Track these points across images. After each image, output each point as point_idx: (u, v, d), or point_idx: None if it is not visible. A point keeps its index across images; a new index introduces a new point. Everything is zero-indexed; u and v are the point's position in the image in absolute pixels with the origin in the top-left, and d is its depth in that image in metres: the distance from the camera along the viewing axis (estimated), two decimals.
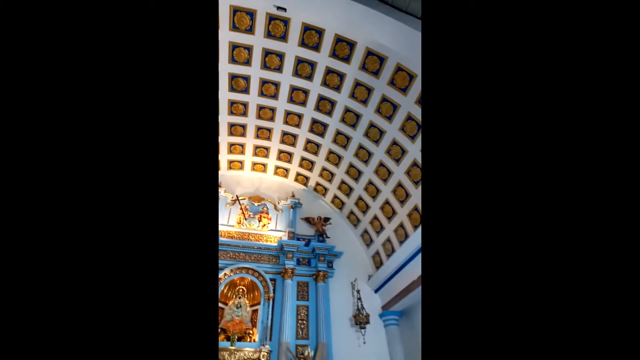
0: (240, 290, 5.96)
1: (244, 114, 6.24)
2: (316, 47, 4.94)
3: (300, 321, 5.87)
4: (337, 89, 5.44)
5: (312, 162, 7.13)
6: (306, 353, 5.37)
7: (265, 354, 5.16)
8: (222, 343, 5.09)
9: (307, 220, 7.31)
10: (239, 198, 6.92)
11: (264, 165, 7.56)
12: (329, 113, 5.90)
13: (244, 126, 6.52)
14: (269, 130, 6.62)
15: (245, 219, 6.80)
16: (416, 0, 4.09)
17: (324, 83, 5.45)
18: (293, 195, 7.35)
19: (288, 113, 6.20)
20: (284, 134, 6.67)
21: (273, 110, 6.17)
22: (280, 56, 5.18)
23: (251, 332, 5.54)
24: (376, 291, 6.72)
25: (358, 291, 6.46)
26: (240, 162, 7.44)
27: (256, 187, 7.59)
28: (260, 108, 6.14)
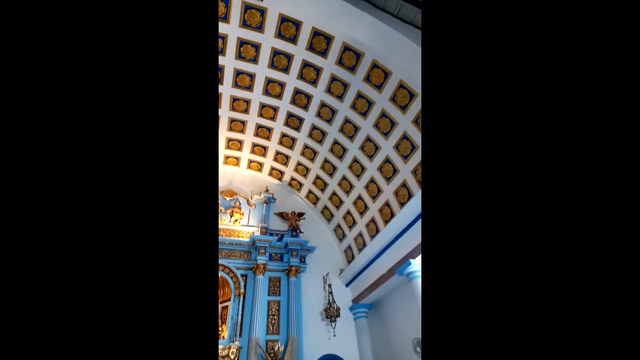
0: None
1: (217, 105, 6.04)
2: (293, 40, 4.89)
3: (271, 316, 5.83)
4: (314, 83, 5.42)
5: (287, 157, 7.07)
6: (276, 348, 5.34)
7: (235, 350, 5.07)
8: None
9: (281, 215, 7.26)
10: None
11: (237, 158, 7.39)
12: (305, 107, 5.87)
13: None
14: (243, 123, 6.46)
15: None
16: (393, 0, 4.17)
17: (301, 76, 5.41)
18: (267, 190, 7.25)
19: (263, 106, 6.09)
20: (259, 127, 6.55)
21: (247, 102, 6.03)
22: (256, 47, 5.07)
23: (220, 329, 5.41)
24: (347, 285, 6.84)
25: (330, 285, 6.53)
26: None
27: (229, 181, 7.40)
28: (234, 100, 5.98)
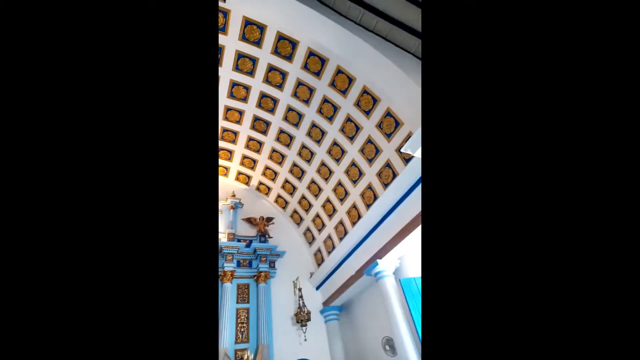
0: None
1: None
2: (257, 43, 4.85)
3: (240, 324, 5.67)
4: (280, 87, 5.41)
5: (255, 161, 6.97)
6: (246, 357, 5.20)
7: None
8: None
9: (249, 220, 7.11)
10: None
11: None
12: (272, 111, 5.83)
13: None
14: None
15: None
16: (355, 8, 4.31)
17: (266, 80, 5.38)
18: (234, 195, 7.07)
19: (228, 109, 5.95)
20: (224, 130, 6.39)
21: None
22: (220, 49, 4.95)
23: None
24: (317, 288, 6.86)
25: (300, 289, 6.50)
26: None
27: None
28: None
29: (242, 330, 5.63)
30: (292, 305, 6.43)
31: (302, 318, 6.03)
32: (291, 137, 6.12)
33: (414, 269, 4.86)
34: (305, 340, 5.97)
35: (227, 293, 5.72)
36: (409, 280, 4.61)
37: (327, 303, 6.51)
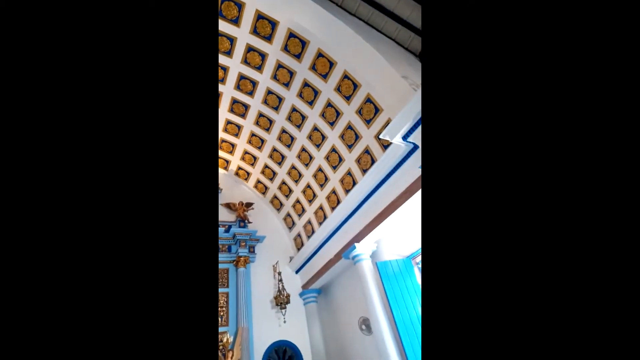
0: None
1: None
2: (235, 21, 4.65)
3: (219, 309, 5.70)
4: (259, 68, 5.26)
5: (233, 145, 6.82)
6: (225, 339, 5.27)
7: None
8: None
9: (228, 205, 7.03)
10: None
11: None
12: (251, 93, 5.68)
13: None
14: None
15: None
16: None
17: (245, 61, 5.20)
18: None
19: None
20: None
21: None
22: None
23: None
24: (297, 272, 6.97)
25: (279, 273, 6.59)
26: None
27: None
28: None
29: (222, 314, 5.67)
30: (271, 288, 6.52)
31: (281, 301, 6.14)
32: (271, 121, 6.01)
33: (389, 252, 5.03)
34: (285, 322, 6.11)
35: None
36: (385, 263, 4.78)
37: (306, 286, 6.66)
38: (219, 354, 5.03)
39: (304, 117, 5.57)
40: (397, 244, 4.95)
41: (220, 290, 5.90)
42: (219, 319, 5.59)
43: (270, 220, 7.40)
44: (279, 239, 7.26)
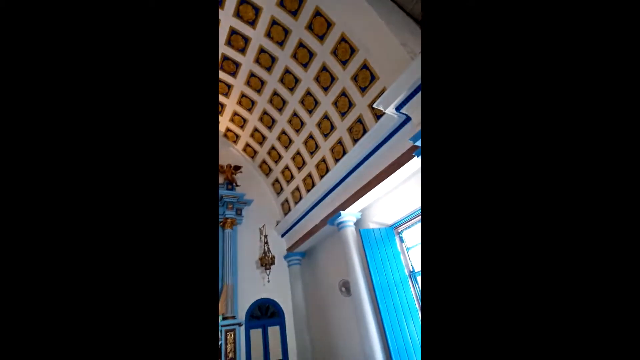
0: None
1: None
2: None
3: None
4: (252, 24, 4.94)
5: (222, 104, 6.59)
6: None
7: None
8: None
9: None
10: None
11: None
12: (242, 50, 5.39)
13: None
14: None
15: None
16: None
17: (237, 14, 4.86)
18: None
19: None
20: None
21: None
22: None
23: None
24: (282, 235, 7.16)
25: (265, 236, 6.75)
26: None
27: None
28: None
29: None
30: (257, 250, 6.72)
31: (266, 262, 6.37)
32: (262, 82, 5.79)
33: (373, 221, 5.20)
34: (269, 282, 6.39)
35: None
36: (368, 231, 4.96)
37: (291, 249, 6.89)
38: None
39: (297, 80, 5.38)
40: (381, 213, 5.09)
41: None
42: None
43: (259, 185, 7.42)
44: (267, 204, 7.34)
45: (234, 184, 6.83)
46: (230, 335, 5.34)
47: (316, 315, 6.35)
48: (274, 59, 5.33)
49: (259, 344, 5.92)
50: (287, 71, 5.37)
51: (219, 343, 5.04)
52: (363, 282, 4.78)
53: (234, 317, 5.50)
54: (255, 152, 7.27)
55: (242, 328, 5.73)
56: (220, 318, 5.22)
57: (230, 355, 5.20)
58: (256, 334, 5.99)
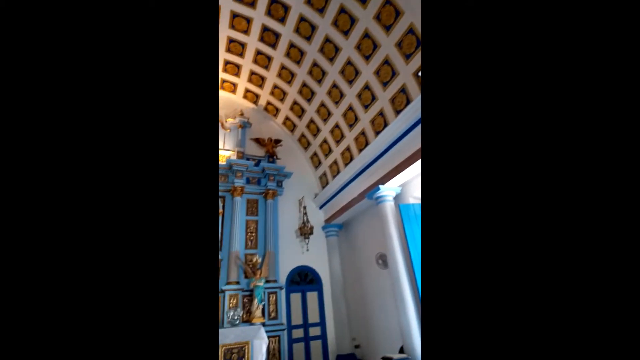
0: None
1: None
2: None
3: (249, 234, 6.29)
4: None
5: (263, 78, 6.64)
6: (254, 260, 5.93)
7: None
8: None
9: (257, 140, 7.19)
10: None
11: None
12: (282, 20, 5.28)
13: None
14: None
15: None
16: None
17: None
18: (242, 114, 6.98)
19: (235, 15, 5.39)
20: (231, 41, 5.92)
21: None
22: None
23: None
24: (320, 207, 7.33)
25: (304, 207, 6.97)
26: None
27: None
28: None
29: (252, 238, 6.27)
30: (296, 220, 6.99)
31: (305, 232, 6.63)
32: (302, 53, 5.68)
33: (413, 196, 5.06)
34: (307, 250, 6.68)
35: (238, 206, 6.18)
36: (407, 206, 4.86)
37: (329, 221, 7.05)
38: (249, 270, 5.73)
39: (337, 49, 5.18)
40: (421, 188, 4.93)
41: (251, 218, 6.43)
42: (249, 242, 6.21)
43: (297, 158, 7.55)
44: (305, 176, 7.49)
45: (275, 157, 7.04)
46: (273, 296, 5.79)
47: (353, 285, 6.56)
48: (314, 28, 5.16)
49: (298, 307, 6.34)
50: (327, 40, 5.18)
51: (262, 303, 5.50)
52: (401, 256, 4.78)
53: (275, 281, 5.91)
54: (295, 126, 7.33)
55: (283, 291, 6.15)
56: (263, 281, 5.65)
57: (273, 314, 5.68)
58: (295, 297, 6.40)
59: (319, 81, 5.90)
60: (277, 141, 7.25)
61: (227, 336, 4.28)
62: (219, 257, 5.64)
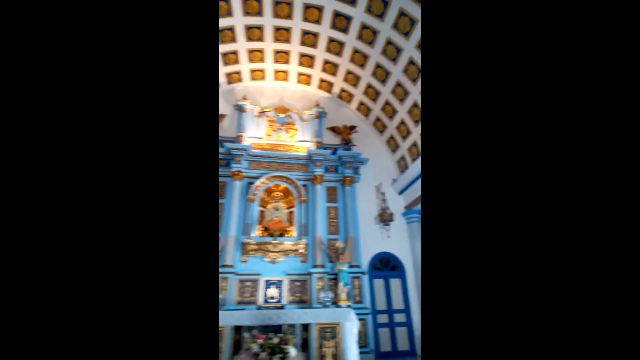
0: (277, 195, 6.55)
1: (259, 12, 5.64)
2: None
3: (330, 220, 6.51)
4: None
5: (336, 65, 6.67)
6: (337, 244, 6.13)
7: (303, 245, 5.98)
8: (266, 239, 5.92)
9: (333, 129, 7.30)
10: (265, 110, 6.97)
11: (286, 72, 7.21)
12: (353, 2, 5.16)
13: (260, 28, 5.99)
14: (288, 30, 6.05)
15: (274, 131, 6.95)
16: None
17: None
18: (317, 105, 7.18)
19: (307, 7, 5.51)
20: (304, 33, 6.09)
21: (290, 4, 5.50)
22: None
23: (289, 229, 6.30)
24: (400, 193, 7.07)
25: (383, 193, 6.83)
26: (262, 71, 7.13)
27: (280, 98, 7.44)
28: (277, 3, 5.49)
29: (333, 224, 6.48)
30: (375, 207, 6.92)
31: (385, 218, 6.52)
32: (375, 32, 5.47)
33: None
34: (389, 237, 6.56)
35: (318, 194, 6.45)
36: None
37: (410, 207, 6.76)
38: (333, 254, 5.95)
39: (413, 22, 4.82)
40: None
41: (331, 204, 6.63)
42: (331, 228, 6.43)
43: (373, 143, 7.41)
44: (382, 161, 7.31)
45: (350, 144, 7.05)
46: (356, 281, 5.91)
47: None
48: (386, 3, 4.89)
49: (382, 293, 6.33)
50: (401, 14, 4.86)
51: (347, 286, 5.66)
52: None
53: (358, 266, 6.00)
54: (369, 110, 7.18)
55: (366, 277, 6.21)
56: (346, 265, 5.80)
57: (357, 298, 5.81)
58: (379, 283, 6.39)
59: (394, 60, 5.62)
60: (352, 127, 7.23)
61: (320, 316, 4.55)
62: (305, 241, 6.00)
